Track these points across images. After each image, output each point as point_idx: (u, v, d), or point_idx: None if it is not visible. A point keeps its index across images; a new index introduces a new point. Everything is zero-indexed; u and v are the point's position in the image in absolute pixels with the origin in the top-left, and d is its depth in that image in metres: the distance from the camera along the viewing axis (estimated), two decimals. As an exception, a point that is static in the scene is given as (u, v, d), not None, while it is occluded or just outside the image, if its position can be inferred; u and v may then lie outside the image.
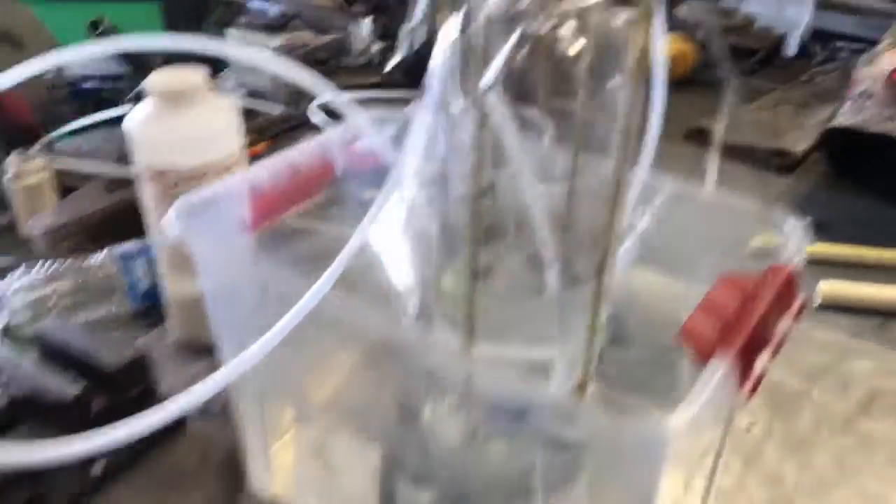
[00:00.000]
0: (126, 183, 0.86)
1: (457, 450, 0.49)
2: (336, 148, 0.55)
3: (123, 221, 0.82)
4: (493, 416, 0.49)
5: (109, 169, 0.88)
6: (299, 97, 1.12)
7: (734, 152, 1.02)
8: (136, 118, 0.58)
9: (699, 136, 1.06)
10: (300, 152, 0.53)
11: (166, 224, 0.45)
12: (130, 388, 0.57)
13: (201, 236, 0.46)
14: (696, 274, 0.51)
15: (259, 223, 0.51)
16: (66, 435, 0.52)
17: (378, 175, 0.45)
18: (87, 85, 1.14)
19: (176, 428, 0.59)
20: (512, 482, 0.47)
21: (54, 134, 0.98)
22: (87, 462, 0.55)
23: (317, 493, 0.54)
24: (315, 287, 0.39)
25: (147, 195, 0.60)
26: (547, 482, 0.47)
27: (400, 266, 0.45)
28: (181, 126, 0.57)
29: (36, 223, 0.80)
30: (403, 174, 0.47)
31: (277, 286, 0.43)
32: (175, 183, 0.58)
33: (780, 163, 0.99)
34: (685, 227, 0.53)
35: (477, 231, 0.42)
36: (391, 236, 0.45)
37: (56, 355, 0.59)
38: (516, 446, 0.48)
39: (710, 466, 0.53)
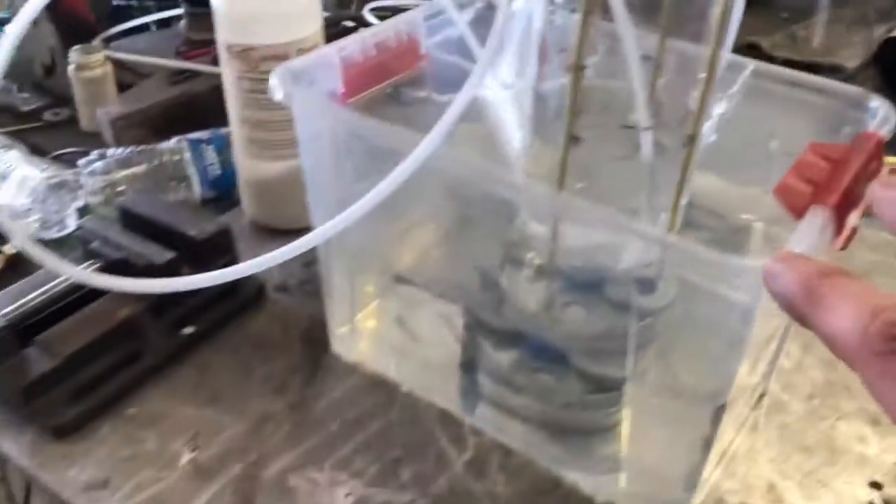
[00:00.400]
0: (186, 77, 0.88)
1: (536, 316, 0.51)
2: (421, 26, 0.56)
3: (187, 112, 0.84)
4: (569, 285, 0.51)
5: (170, 62, 0.89)
6: (347, 2, 1.13)
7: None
8: (223, -5, 0.59)
9: (749, 52, 1.07)
10: (387, 28, 0.54)
11: (271, 88, 0.47)
12: (216, 259, 0.59)
13: (302, 101, 0.48)
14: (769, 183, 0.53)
15: (350, 95, 0.52)
16: (158, 299, 0.56)
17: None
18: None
19: (257, 301, 0.62)
20: (591, 345, 0.50)
21: (114, 29, 0.99)
22: (177, 325, 0.58)
23: (399, 358, 0.57)
24: (428, 137, 0.41)
25: (230, 74, 0.62)
26: (631, 345, 0.49)
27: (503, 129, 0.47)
28: (269, 3, 0.58)
29: (103, 113, 0.81)
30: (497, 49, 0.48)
31: (382, 141, 0.45)
32: (260, 60, 0.59)
33: (832, 78, 0.99)
34: (760, 118, 0.55)
35: (576, 101, 0.44)
36: (493, 102, 0.46)
37: (139, 227, 0.61)
38: (593, 313, 0.51)
39: (773, 350, 0.56)
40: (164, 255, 0.57)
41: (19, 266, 0.68)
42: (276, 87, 0.46)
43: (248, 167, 0.67)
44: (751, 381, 0.56)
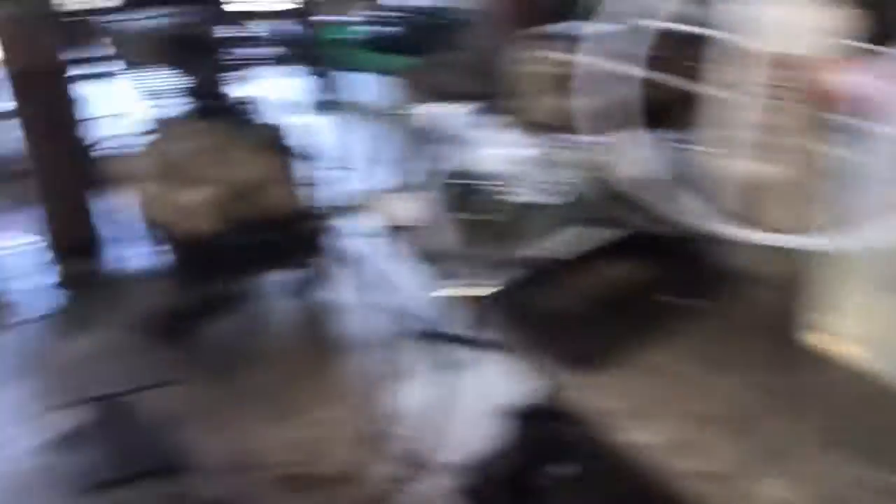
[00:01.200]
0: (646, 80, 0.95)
1: None
2: None
3: (653, 112, 0.91)
4: None
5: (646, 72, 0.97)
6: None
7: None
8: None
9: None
10: None
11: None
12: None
13: None
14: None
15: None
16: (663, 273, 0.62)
17: None
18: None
19: (743, 285, 0.68)
20: None
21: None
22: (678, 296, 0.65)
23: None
24: None
25: (754, 81, 0.68)
26: None
27: None
28: (811, 17, 0.64)
29: (580, 105, 0.91)
30: None
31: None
32: (791, 69, 0.65)
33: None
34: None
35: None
36: None
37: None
38: None
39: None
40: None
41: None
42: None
43: (746, 169, 0.72)
44: None
